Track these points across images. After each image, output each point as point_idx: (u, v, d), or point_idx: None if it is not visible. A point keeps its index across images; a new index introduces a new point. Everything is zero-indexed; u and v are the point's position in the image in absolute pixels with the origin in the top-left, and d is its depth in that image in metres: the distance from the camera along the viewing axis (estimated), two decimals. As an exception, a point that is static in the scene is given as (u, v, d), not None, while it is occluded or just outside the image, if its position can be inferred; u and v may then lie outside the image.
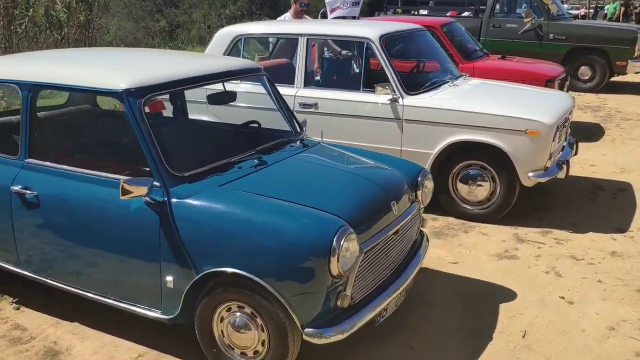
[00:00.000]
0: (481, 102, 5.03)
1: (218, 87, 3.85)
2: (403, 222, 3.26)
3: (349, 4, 7.52)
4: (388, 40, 5.30)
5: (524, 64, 8.17)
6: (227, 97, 3.89)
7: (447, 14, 13.66)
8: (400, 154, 5.05)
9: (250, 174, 3.12)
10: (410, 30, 5.88)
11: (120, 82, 3.02)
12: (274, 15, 23.85)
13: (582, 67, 11.35)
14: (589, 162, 6.79)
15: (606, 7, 23.89)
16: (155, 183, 2.91)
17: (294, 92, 5.37)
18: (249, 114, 4.88)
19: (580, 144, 7.48)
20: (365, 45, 5.22)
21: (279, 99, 3.99)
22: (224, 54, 5.69)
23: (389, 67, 5.09)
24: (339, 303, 2.78)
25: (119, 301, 3.18)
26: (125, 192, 2.80)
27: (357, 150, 3.87)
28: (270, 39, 7.08)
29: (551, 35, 11.34)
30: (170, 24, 21.85)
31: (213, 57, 5.23)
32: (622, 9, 23.83)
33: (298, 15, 7.75)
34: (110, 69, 3.38)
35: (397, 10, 14.50)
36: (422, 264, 3.53)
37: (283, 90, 5.38)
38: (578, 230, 4.81)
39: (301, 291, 2.70)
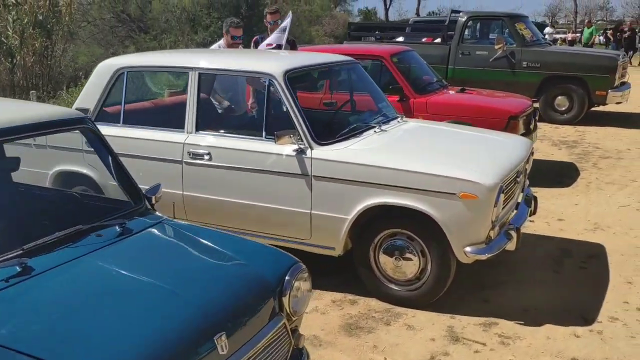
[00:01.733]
0: (407, 155, 3.93)
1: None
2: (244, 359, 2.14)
3: (277, 32, 6.50)
4: (297, 77, 4.23)
5: (485, 98, 7.12)
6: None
7: (423, 40, 12.75)
8: (310, 218, 3.94)
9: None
10: (330, 63, 4.80)
11: None
12: (247, 42, 22.95)
13: (559, 97, 10.34)
14: (558, 214, 5.70)
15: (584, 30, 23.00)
16: None
17: (183, 139, 4.28)
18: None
19: (551, 190, 6.44)
20: (267, 82, 4.13)
21: (111, 159, 2.88)
22: (105, 91, 4.60)
23: (295, 110, 4.00)
24: None
25: None
26: None
27: (209, 233, 2.75)
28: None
29: (524, 63, 10.35)
30: (139, 49, 20.86)
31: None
32: (611, 32, 23.03)
33: (232, 47, 6.71)
34: None
35: (382, 36, 13.55)
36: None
37: (171, 136, 4.37)
38: (531, 321, 3.68)
39: None
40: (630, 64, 21.49)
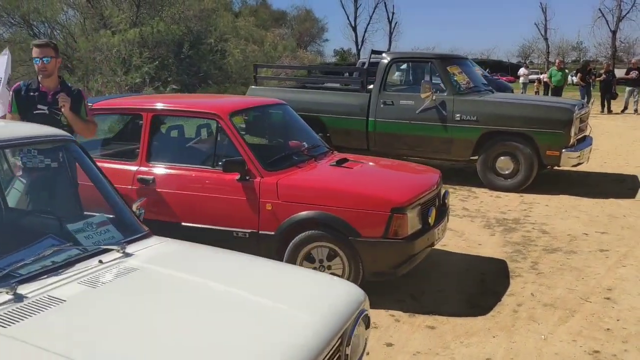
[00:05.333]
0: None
1: None
2: None
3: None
4: None
5: (365, 177, 4.77)
6: None
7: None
8: None
9: None
10: None
11: None
12: (188, 84, 20.68)
13: (501, 158, 8.05)
14: (452, 385, 3.31)
15: (550, 71, 20.57)
16: None
17: None
18: None
19: (456, 323, 4.03)
20: None
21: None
22: None
23: None
24: None
25: None
26: None
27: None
28: None
29: (457, 116, 8.09)
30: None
31: None
32: (579, 74, 20.72)
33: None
34: None
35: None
36: None
37: None
38: None
39: None
40: (610, 111, 19.39)
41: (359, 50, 51.59)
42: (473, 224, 6.55)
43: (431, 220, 4.43)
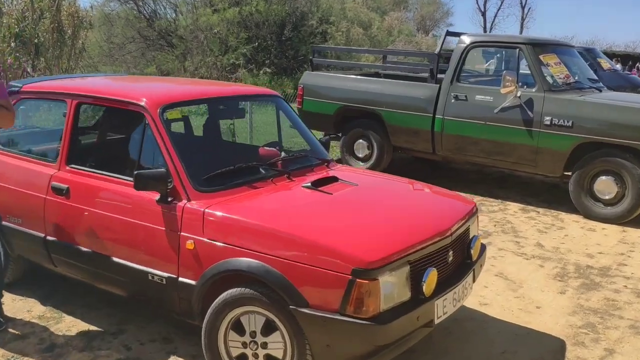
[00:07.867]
0: None
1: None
2: None
3: None
4: None
5: (344, 212, 3.14)
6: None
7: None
8: None
9: None
10: None
11: None
12: (286, 67, 19.51)
13: (602, 179, 6.02)
14: None
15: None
16: None
17: None
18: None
19: None
20: None
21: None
22: None
23: None
24: None
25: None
26: None
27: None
28: None
29: (547, 119, 6.18)
30: (160, 70, 18.19)
31: None
32: None
33: None
34: None
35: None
36: None
37: None
38: None
39: None
40: None
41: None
42: (541, 270, 4.74)
43: (427, 288, 2.81)
